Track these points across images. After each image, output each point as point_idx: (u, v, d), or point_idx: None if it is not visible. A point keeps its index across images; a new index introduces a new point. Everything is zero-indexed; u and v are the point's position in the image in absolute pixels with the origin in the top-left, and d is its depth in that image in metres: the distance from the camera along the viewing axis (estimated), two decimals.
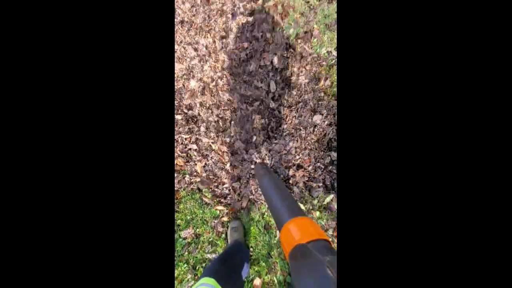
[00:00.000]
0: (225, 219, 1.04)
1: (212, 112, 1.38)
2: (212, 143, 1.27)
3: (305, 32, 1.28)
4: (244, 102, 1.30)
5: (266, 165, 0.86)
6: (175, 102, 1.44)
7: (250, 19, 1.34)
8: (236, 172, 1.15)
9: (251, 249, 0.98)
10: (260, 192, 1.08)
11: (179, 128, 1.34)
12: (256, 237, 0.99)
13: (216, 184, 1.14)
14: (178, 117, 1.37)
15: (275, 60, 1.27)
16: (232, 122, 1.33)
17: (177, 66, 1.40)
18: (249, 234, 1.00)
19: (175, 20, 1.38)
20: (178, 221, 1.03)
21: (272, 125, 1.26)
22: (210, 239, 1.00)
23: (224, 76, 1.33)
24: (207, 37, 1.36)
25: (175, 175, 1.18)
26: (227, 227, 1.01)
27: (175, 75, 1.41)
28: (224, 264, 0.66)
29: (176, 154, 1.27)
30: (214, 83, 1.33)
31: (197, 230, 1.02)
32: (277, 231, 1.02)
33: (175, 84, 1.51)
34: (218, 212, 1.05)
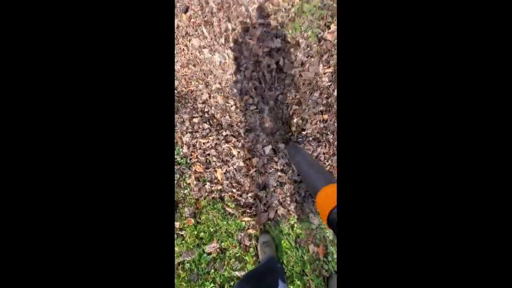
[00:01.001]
0: (251, 231, 0.96)
1: (229, 116, 1.31)
2: (233, 147, 1.19)
3: (323, 34, 1.22)
4: (263, 103, 1.23)
5: (298, 145, 0.86)
6: (189, 104, 1.36)
7: (270, 21, 1.28)
8: (261, 179, 1.07)
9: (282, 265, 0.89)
10: (289, 201, 1.00)
11: (195, 132, 1.27)
12: (287, 251, 0.91)
13: (239, 192, 1.06)
14: (195, 120, 1.30)
15: (298, 58, 1.21)
16: (252, 125, 1.26)
17: (191, 69, 1.33)
18: (279, 248, 0.92)
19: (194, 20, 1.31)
20: (201, 234, 0.95)
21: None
22: (237, 254, 0.91)
23: (243, 77, 1.26)
24: (224, 38, 1.30)
25: (195, 182, 1.10)
26: (256, 241, 0.93)
27: (188, 76, 1.34)
28: (256, 284, 0.58)
29: (194, 160, 1.19)
30: (230, 86, 1.26)
31: (222, 244, 0.93)
32: (309, 245, 0.94)
33: (189, 86, 1.44)
34: (243, 223, 0.97)
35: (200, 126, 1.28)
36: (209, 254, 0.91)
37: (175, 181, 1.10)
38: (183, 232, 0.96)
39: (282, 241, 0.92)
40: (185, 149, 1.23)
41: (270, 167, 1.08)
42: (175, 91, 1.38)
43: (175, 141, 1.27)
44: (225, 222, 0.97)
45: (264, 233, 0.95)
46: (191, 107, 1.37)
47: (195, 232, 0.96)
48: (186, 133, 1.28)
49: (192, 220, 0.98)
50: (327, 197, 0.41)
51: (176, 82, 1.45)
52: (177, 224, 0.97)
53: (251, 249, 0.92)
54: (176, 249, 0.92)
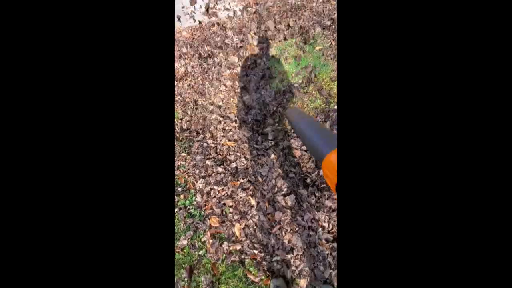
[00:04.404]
0: None
1: (243, 158, 1.19)
2: (251, 196, 1.06)
3: None
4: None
5: (299, 109, 0.78)
6: (201, 143, 1.26)
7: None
8: (287, 238, 0.92)
9: None
10: (323, 267, 0.84)
11: (209, 177, 1.15)
12: None
13: (262, 254, 0.92)
14: (208, 162, 1.19)
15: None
16: (266, 169, 1.13)
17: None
18: None
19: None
20: None
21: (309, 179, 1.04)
22: None
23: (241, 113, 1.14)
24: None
25: (211, 241, 0.97)
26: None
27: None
28: None
29: (208, 211, 1.06)
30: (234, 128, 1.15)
31: None
32: None
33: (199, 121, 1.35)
34: None
35: (214, 170, 1.17)
36: None
37: (189, 240, 0.98)
38: None
39: None
40: (198, 198, 1.11)
41: (297, 225, 0.93)
42: (183, 127, 1.29)
43: (187, 187, 1.16)
44: None
45: (276, 278, 0.82)
46: (203, 146, 1.27)
47: None
48: (200, 178, 1.17)
49: None
50: (334, 165, 0.40)
51: (187, 117, 1.36)
52: None
53: None
54: None
